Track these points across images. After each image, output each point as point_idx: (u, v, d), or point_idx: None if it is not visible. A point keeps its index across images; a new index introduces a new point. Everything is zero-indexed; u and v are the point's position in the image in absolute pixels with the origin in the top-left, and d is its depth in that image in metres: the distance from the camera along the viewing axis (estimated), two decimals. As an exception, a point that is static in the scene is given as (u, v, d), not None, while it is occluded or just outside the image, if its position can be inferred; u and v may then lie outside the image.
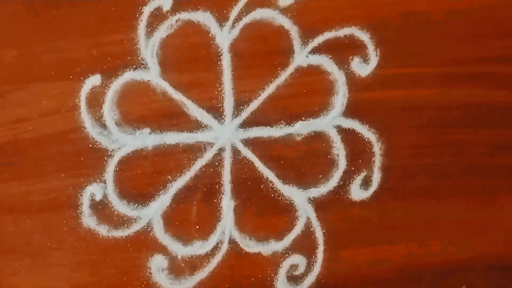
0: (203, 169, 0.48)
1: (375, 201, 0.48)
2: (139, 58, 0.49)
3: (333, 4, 0.49)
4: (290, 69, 0.49)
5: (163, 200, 0.48)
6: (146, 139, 0.49)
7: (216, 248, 0.48)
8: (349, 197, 0.48)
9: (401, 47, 0.48)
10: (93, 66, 0.49)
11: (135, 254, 0.48)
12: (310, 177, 0.48)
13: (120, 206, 0.48)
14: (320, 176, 0.48)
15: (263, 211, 0.48)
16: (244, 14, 0.49)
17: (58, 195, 0.48)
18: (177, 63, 0.49)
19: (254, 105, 0.49)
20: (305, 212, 0.48)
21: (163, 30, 0.49)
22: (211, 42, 0.49)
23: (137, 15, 0.49)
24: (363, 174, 0.48)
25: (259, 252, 0.48)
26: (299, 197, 0.48)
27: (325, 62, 0.49)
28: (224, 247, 0.48)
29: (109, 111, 0.49)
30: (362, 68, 0.48)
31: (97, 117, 0.49)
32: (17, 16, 0.49)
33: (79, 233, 0.48)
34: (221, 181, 0.48)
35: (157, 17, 0.49)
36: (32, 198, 0.49)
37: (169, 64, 0.49)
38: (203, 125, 0.49)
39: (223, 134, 0.48)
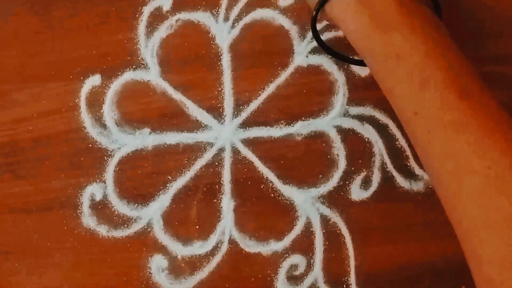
0: (203, 169, 0.48)
1: (375, 201, 0.48)
2: (139, 58, 0.49)
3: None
4: (290, 69, 0.49)
5: (163, 200, 0.48)
6: (146, 139, 0.49)
7: (216, 248, 0.48)
8: (349, 197, 0.48)
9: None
10: (93, 66, 0.49)
11: (135, 254, 0.48)
12: (310, 177, 0.48)
13: (120, 206, 0.48)
14: (320, 176, 0.48)
15: (263, 211, 0.48)
16: (244, 14, 0.49)
17: (58, 195, 0.49)
18: (177, 63, 0.49)
19: (254, 105, 0.49)
20: (305, 212, 0.48)
21: (163, 30, 0.49)
22: (211, 42, 0.49)
23: (137, 15, 0.49)
24: (363, 174, 0.48)
25: (259, 252, 0.48)
26: (299, 197, 0.48)
27: (325, 62, 0.49)
28: (224, 247, 0.48)
29: (109, 111, 0.49)
30: (362, 68, 0.48)
31: (97, 117, 0.49)
32: (17, 16, 0.49)
33: (79, 233, 0.48)
34: (221, 181, 0.48)
35: (157, 17, 0.49)
36: (32, 198, 0.49)
37: (169, 64, 0.49)
38: (203, 125, 0.49)
39: (223, 134, 0.48)
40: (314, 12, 0.40)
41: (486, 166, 0.31)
